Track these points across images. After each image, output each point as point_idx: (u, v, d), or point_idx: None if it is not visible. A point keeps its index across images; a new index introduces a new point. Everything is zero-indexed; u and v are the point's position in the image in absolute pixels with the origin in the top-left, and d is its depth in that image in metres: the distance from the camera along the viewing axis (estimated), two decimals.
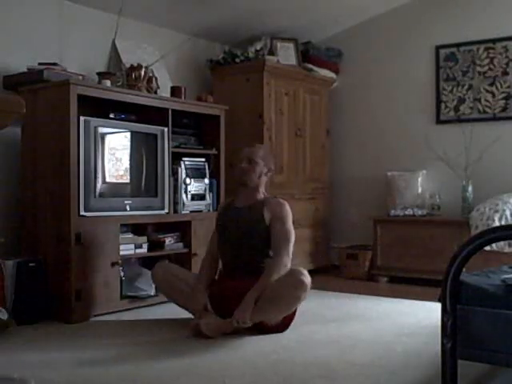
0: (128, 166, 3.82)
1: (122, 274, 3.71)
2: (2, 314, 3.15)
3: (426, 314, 3.52)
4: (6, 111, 2.05)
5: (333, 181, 5.59)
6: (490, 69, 4.95)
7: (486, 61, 4.96)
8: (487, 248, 2.65)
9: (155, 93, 4.09)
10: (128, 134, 3.83)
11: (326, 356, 2.70)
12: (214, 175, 4.39)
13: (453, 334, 1.93)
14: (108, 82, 3.77)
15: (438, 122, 5.18)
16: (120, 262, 3.65)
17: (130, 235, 3.83)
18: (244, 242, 3.20)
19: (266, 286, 2.98)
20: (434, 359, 2.41)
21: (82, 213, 3.45)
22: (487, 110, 4.96)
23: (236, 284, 3.11)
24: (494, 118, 4.93)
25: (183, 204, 4.11)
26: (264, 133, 4.77)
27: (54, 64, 3.74)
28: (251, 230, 3.20)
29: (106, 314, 3.54)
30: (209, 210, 4.30)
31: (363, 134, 5.55)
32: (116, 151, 3.74)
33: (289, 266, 3.10)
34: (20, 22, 3.86)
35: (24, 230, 3.66)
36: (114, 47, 4.36)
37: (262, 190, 3.32)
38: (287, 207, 3.24)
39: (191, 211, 4.17)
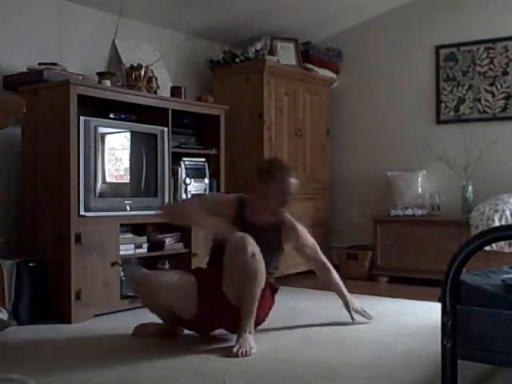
0: (128, 166, 3.82)
1: (122, 274, 3.71)
2: (2, 314, 3.15)
3: (426, 314, 3.51)
4: (6, 111, 2.05)
5: (333, 181, 5.60)
6: (490, 69, 4.95)
7: (486, 61, 4.96)
8: (487, 248, 2.65)
9: (155, 93, 4.09)
10: (128, 134, 3.83)
11: (326, 356, 2.70)
12: (214, 175, 4.39)
13: (453, 334, 1.93)
14: (108, 82, 3.77)
15: (438, 121, 5.18)
16: (120, 262, 3.66)
17: (130, 235, 3.83)
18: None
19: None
20: (434, 359, 2.40)
21: (82, 213, 3.45)
22: (487, 109, 4.96)
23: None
24: (494, 118, 4.93)
25: None
26: (264, 133, 4.77)
27: (54, 64, 3.74)
28: (270, 250, 3.07)
29: (105, 313, 3.55)
30: None
31: (363, 133, 5.55)
32: (116, 151, 3.74)
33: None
34: (20, 21, 3.86)
35: (24, 230, 3.66)
36: (113, 47, 4.36)
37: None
38: (301, 226, 3.28)
39: None
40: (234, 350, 2.71)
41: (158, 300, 2.92)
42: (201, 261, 4.17)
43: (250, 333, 2.81)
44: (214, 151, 4.41)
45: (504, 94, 4.89)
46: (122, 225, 3.70)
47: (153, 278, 3.03)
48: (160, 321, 3.08)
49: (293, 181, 3.14)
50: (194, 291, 2.93)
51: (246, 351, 2.70)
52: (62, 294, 3.42)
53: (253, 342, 2.78)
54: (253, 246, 2.79)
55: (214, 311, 2.91)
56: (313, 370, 2.49)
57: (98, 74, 3.83)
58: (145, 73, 3.96)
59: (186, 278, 3.02)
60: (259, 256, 2.80)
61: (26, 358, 2.69)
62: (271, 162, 3.31)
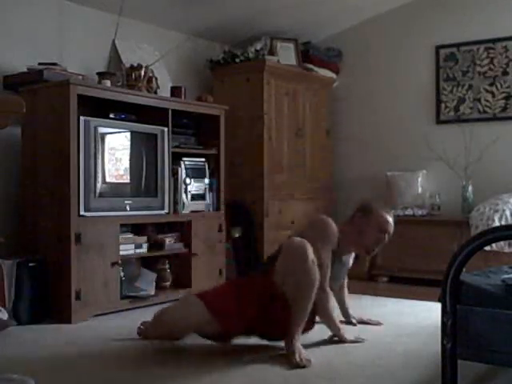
0: (128, 166, 3.82)
1: (121, 274, 3.71)
2: (2, 313, 3.15)
3: (426, 314, 3.51)
4: (6, 111, 2.05)
5: (333, 181, 5.59)
6: (490, 69, 4.95)
7: (486, 61, 4.96)
8: (487, 248, 2.65)
9: (155, 93, 4.09)
10: (128, 134, 3.83)
11: (327, 356, 2.70)
12: (214, 175, 4.39)
13: (453, 334, 1.93)
14: (108, 82, 3.77)
15: (438, 122, 5.18)
16: (120, 262, 3.66)
17: (130, 235, 3.83)
18: None
19: None
20: (434, 359, 2.40)
21: (82, 213, 3.45)
22: (487, 109, 4.96)
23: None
24: (494, 118, 4.93)
25: (183, 204, 4.11)
26: (264, 133, 4.77)
27: (54, 64, 3.74)
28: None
29: (105, 314, 3.55)
30: (209, 210, 4.31)
31: (363, 133, 5.55)
32: (116, 151, 3.74)
33: None
34: (20, 21, 3.86)
35: (24, 230, 3.66)
36: (113, 47, 4.36)
37: None
38: None
39: (191, 211, 4.17)
40: (296, 358, 2.56)
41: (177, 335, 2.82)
42: (200, 261, 4.18)
43: (298, 341, 2.66)
44: (213, 151, 4.41)
45: (504, 94, 4.89)
46: (121, 225, 3.70)
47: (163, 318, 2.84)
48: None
49: (392, 222, 3.04)
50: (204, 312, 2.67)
51: (308, 360, 2.57)
52: (62, 293, 3.42)
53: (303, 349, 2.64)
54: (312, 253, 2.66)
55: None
56: (313, 370, 2.49)
57: (98, 74, 3.83)
58: (145, 73, 3.96)
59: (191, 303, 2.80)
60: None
61: (25, 358, 2.69)
62: (373, 201, 3.19)
